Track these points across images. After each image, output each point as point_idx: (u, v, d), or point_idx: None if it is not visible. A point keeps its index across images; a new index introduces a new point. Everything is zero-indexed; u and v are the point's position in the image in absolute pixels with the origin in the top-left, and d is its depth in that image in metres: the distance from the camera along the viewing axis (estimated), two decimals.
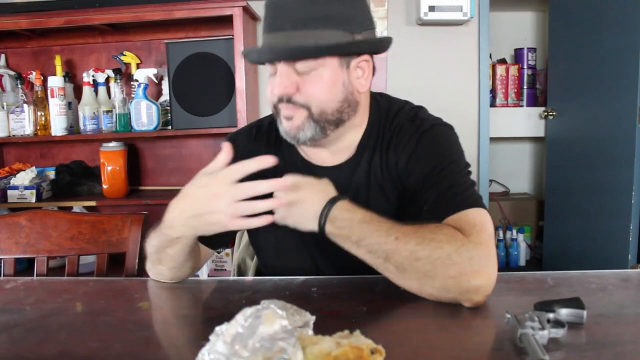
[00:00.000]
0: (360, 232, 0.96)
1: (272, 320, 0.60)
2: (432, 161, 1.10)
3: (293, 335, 0.60)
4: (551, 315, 0.85)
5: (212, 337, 0.61)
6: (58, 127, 2.66)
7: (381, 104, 1.21)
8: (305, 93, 1.06)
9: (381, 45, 1.13)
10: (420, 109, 1.22)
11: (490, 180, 3.70)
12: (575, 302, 0.88)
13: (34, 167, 2.81)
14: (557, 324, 0.83)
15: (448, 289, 0.92)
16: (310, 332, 0.66)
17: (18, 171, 2.77)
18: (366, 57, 1.11)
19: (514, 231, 3.77)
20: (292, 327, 0.61)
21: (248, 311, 0.61)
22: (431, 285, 0.92)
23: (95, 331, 0.95)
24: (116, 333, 0.92)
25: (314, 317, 0.67)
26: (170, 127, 2.65)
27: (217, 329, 0.61)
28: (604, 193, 2.92)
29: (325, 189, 1.04)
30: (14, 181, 2.68)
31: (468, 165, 1.15)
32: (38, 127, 2.73)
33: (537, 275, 1.13)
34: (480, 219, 1.01)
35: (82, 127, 2.70)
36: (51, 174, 2.87)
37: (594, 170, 3.01)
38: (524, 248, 3.78)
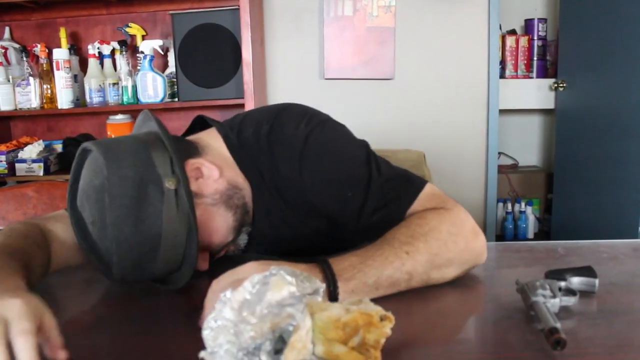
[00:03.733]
0: (373, 272, 0.82)
1: (280, 286, 0.59)
2: (334, 180, 0.98)
3: (301, 301, 0.59)
4: (562, 284, 0.84)
5: (218, 305, 0.60)
6: (64, 99, 2.66)
7: (235, 146, 1.05)
8: (212, 246, 1.00)
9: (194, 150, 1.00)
10: (277, 119, 1.03)
11: (499, 153, 3.66)
12: (587, 271, 0.87)
13: (41, 141, 2.81)
14: (569, 292, 0.82)
15: (467, 260, 0.91)
16: (320, 299, 0.65)
17: (25, 144, 2.77)
18: (192, 167, 0.97)
19: (523, 204, 3.76)
20: (300, 293, 0.60)
21: (256, 277, 0.60)
22: (454, 268, 0.90)
23: (101, 300, 0.95)
24: (121, 301, 0.93)
25: (323, 285, 0.66)
26: (176, 99, 2.64)
27: (223, 296, 0.60)
28: (614, 165, 2.89)
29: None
30: (22, 154, 2.69)
31: (364, 145, 1.02)
32: (44, 100, 2.72)
33: (548, 245, 1.12)
34: (432, 190, 0.96)
35: (88, 99, 2.69)
36: (58, 147, 2.87)
37: (604, 142, 2.98)
38: (532, 221, 3.76)
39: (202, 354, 0.59)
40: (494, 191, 3.24)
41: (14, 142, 2.82)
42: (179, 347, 0.73)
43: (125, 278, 0.91)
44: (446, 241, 0.88)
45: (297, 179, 0.99)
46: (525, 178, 3.95)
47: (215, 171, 0.99)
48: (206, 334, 0.60)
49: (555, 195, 3.53)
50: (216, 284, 0.77)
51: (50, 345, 0.67)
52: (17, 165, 2.66)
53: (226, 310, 0.58)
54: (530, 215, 3.75)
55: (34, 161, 2.66)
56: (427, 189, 0.97)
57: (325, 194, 0.99)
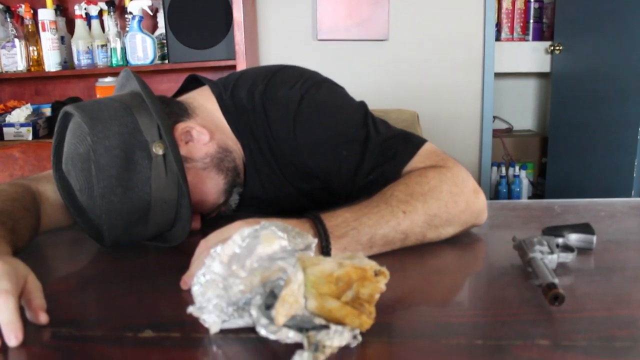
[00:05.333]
0: (367, 230, 0.80)
1: (271, 240, 0.57)
2: (329, 139, 0.95)
3: (293, 255, 0.57)
4: (560, 240, 0.82)
5: (207, 260, 0.58)
6: (51, 62, 2.60)
7: (228, 106, 1.02)
8: (203, 208, 1.00)
9: (184, 114, 0.98)
10: (272, 79, 1.00)
11: (494, 117, 3.64)
12: (584, 228, 0.86)
13: (29, 104, 2.75)
14: (566, 248, 0.81)
15: (466, 221, 0.89)
16: (312, 255, 0.63)
17: (13, 108, 2.72)
18: (182, 131, 0.95)
19: (517, 168, 3.75)
20: (292, 248, 0.58)
21: (246, 231, 0.58)
22: (452, 228, 0.88)
23: (89, 259, 0.93)
24: (109, 260, 0.91)
25: (316, 240, 0.64)
26: (167, 61, 2.59)
27: (213, 251, 0.58)
28: (610, 128, 2.88)
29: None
30: (9, 119, 2.63)
31: (362, 106, 0.99)
32: (31, 63, 2.67)
33: (544, 203, 1.10)
34: (431, 148, 0.94)
35: (76, 62, 2.64)
36: (47, 111, 2.82)
37: (600, 105, 2.96)
38: (526, 185, 3.76)
39: (190, 309, 0.57)
40: (489, 155, 3.22)
41: (1, 106, 2.76)
42: (167, 305, 0.71)
43: (116, 243, 0.90)
44: (446, 202, 0.85)
45: (291, 139, 0.96)
46: (519, 142, 3.93)
47: (206, 134, 0.97)
48: (195, 289, 0.59)
49: (550, 159, 3.52)
50: (204, 243, 0.76)
51: (33, 307, 0.66)
52: (4, 129, 2.61)
53: (215, 264, 0.56)
54: (524, 179, 3.75)
55: (22, 125, 2.60)
56: (427, 146, 0.94)
57: (320, 154, 0.96)
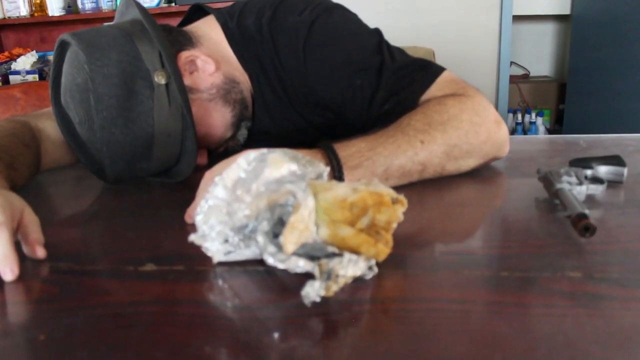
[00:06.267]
0: (382, 160, 0.75)
1: (279, 164, 0.52)
2: (342, 68, 0.89)
3: (303, 180, 0.53)
4: (589, 172, 0.77)
5: (211, 188, 0.54)
6: (55, 6, 2.54)
7: (234, 35, 0.96)
8: (210, 143, 0.95)
9: (188, 42, 0.92)
10: (280, 5, 0.93)
11: (510, 62, 3.53)
12: (615, 160, 0.80)
13: (34, 52, 2.70)
14: (596, 180, 0.75)
15: (487, 153, 0.83)
16: None
17: (18, 56, 2.67)
18: (185, 60, 0.89)
19: (533, 114, 3.66)
20: (302, 173, 0.54)
21: (252, 155, 0.53)
22: (473, 160, 0.82)
23: (93, 196, 0.90)
24: (113, 196, 0.88)
25: (327, 169, 0.59)
26: (173, 3, 2.51)
27: (217, 178, 0.54)
28: (632, 73, 2.78)
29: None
30: (15, 66, 2.59)
31: (376, 32, 0.93)
32: (34, 8, 2.60)
33: (568, 138, 1.04)
34: (450, 76, 0.88)
35: (80, 6, 2.58)
36: None
37: (623, 48, 2.85)
38: (542, 132, 3.68)
39: (191, 237, 0.53)
40: (505, 101, 3.13)
41: (6, 53, 2.71)
42: (171, 239, 0.68)
43: (119, 178, 0.87)
44: (467, 131, 0.80)
45: (301, 68, 0.91)
46: (536, 88, 3.83)
47: (211, 64, 0.91)
48: (198, 219, 0.54)
49: (567, 106, 3.43)
50: (209, 173, 0.71)
51: (29, 241, 0.62)
52: (11, 77, 2.57)
53: (218, 189, 0.52)
54: (540, 126, 3.67)
55: (28, 72, 2.56)
56: (445, 74, 0.88)
57: (332, 84, 0.90)
